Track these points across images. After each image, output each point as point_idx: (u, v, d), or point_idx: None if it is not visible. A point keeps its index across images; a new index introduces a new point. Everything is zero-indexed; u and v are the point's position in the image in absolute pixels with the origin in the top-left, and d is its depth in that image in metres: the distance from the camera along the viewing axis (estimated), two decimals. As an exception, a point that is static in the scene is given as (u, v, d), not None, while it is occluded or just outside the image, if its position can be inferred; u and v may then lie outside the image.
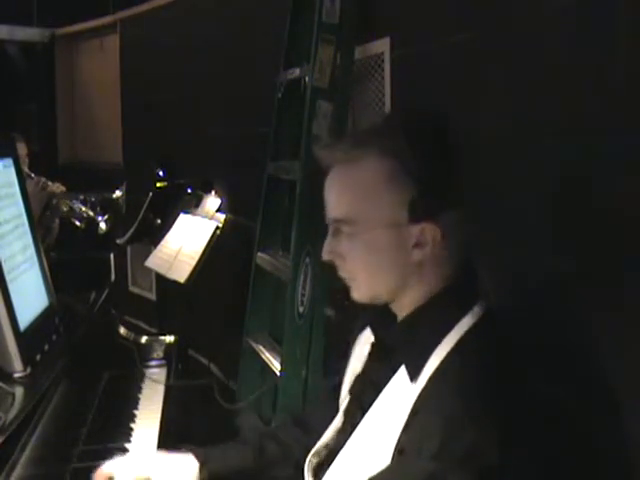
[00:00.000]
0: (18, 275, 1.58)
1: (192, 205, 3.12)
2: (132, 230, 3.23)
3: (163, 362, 2.14)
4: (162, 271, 2.96)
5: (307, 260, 2.14)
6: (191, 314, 2.99)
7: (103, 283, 3.50)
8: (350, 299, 1.19)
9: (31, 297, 1.67)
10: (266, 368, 2.44)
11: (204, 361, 3.28)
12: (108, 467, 1.38)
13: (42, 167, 3.85)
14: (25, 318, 1.54)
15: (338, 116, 2.14)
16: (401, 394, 1.08)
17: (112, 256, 3.79)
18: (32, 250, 1.76)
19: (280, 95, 2.48)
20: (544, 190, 1.40)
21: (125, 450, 1.59)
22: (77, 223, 3.45)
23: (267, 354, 2.44)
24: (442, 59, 1.77)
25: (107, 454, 1.55)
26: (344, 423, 1.26)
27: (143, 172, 3.39)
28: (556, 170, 1.37)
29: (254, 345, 2.55)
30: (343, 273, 1.18)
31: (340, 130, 2.11)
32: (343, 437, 1.21)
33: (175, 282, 2.84)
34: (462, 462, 0.97)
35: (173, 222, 3.09)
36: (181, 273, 2.82)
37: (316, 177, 1.19)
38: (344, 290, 1.21)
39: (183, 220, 3.08)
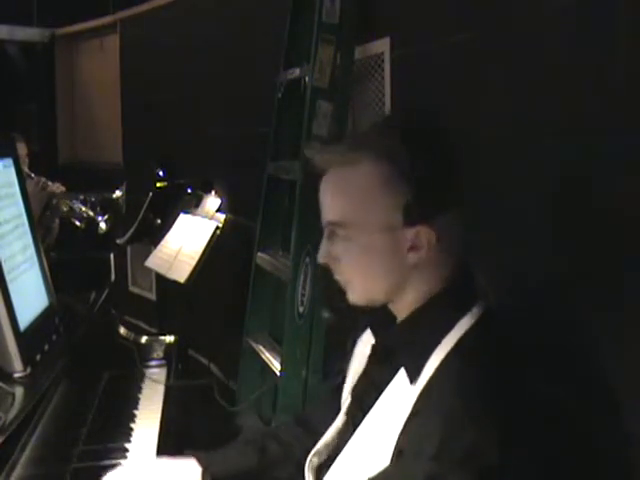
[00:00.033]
0: (18, 275, 1.58)
1: (192, 205, 3.12)
2: (132, 230, 3.23)
3: (163, 362, 2.14)
4: (162, 271, 2.96)
5: (307, 260, 2.14)
6: (191, 314, 2.99)
7: (103, 283, 3.50)
8: (346, 302, 1.19)
9: (31, 297, 1.67)
10: (266, 368, 2.44)
11: (204, 361, 3.28)
12: (109, 479, 1.37)
13: (42, 167, 3.85)
14: (25, 318, 1.54)
15: (338, 116, 2.14)
16: (401, 396, 1.08)
17: (112, 256, 3.79)
18: (32, 250, 1.76)
19: (280, 95, 2.48)
20: (544, 190, 1.40)
21: (125, 450, 1.58)
22: (77, 223, 3.45)
23: (267, 354, 2.44)
24: (442, 59, 1.77)
25: (107, 454, 1.55)
26: (345, 424, 1.26)
27: (143, 172, 3.39)
28: (556, 170, 1.37)
29: (254, 345, 2.55)
30: (339, 276, 1.18)
31: (340, 130, 2.11)
32: (344, 438, 1.21)
33: (175, 282, 2.84)
34: (462, 462, 0.97)
35: (173, 222, 3.10)
36: (181, 273, 2.82)
37: (316, 177, 1.19)
38: (340, 293, 1.21)
39: (183, 220, 3.08)
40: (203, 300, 3.07)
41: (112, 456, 1.55)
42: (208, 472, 1.37)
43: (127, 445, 1.61)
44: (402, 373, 1.10)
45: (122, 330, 2.17)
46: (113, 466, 1.48)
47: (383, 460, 1.05)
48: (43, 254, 1.82)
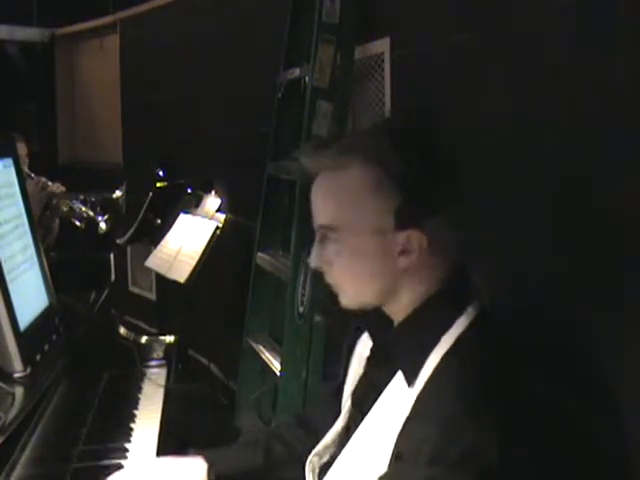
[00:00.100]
0: (18, 275, 1.58)
1: (192, 205, 3.12)
2: (132, 230, 3.23)
3: (163, 362, 2.14)
4: (162, 271, 2.96)
5: (307, 260, 2.14)
6: (191, 314, 2.99)
7: (103, 283, 3.50)
8: (339, 305, 1.19)
9: (31, 297, 1.67)
10: (266, 368, 2.44)
11: (204, 361, 3.28)
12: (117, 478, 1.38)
13: (42, 167, 3.84)
14: (25, 318, 1.54)
15: (338, 116, 2.14)
16: (399, 398, 1.08)
17: (112, 256, 3.79)
18: (32, 250, 1.76)
19: (280, 95, 2.48)
20: (544, 190, 1.40)
21: (125, 450, 1.58)
22: (77, 223, 3.44)
23: (267, 354, 2.44)
24: (442, 59, 1.77)
25: (107, 454, 1.55)
26: (345, 425, 1.26)
27: (143, 172, 3.40)
28: (556, 170, 1.37)
29: (254, 345, 2.55)
30: (330, 280, 1.18)
31: (340, 130, 2.12)
32: (344, 439, 1.21)
33: (175, 282, 2.84)
34: (462, 462, 0.97)
35: (173, 222, 3.10)
36: (181, 273, 2.82)
37: (311, 179, 1.19)
38: (332, 296, 1.21)
39: (183, 220, 3.08)
40: (203, 300, 3.07)
41: (112, 456, 1.55)
42: (214, 469, 1.38)
43: (127, 445, 1.61)
44: (400, 376, 1.10)
45: (122, 330, 2.17)
46: (113, 466, 1.49)
47: (382, 462, 1.05)
48: (43, 254, 1.82)
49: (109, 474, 1.39)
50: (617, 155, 1.22)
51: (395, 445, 1.04)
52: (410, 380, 1.07)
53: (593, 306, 1.29)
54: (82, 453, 1.55)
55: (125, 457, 1.56)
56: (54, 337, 1.70)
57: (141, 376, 2.02)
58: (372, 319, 1.22)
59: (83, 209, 3.40)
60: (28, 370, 1.47)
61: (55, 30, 4.84)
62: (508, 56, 1.52)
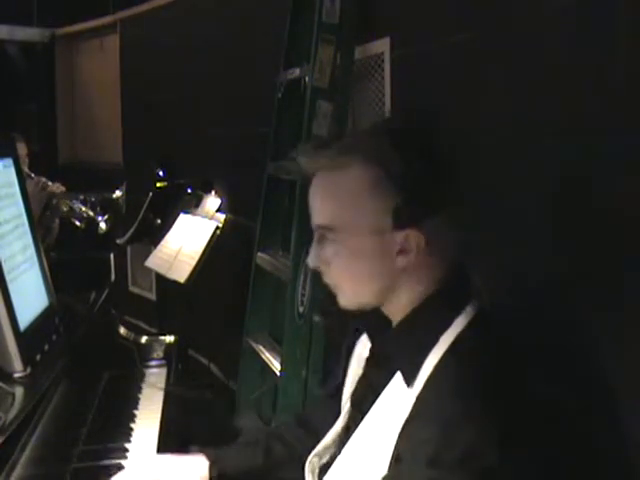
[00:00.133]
0: (18, 275, 1.58)
1: (192, 205, 3.12)
2: (132, 230, 3.23)
3: (163, 362, 2.14)
4: (162, 271, 2.96)
5: (307, 260, 2.14)
6: (191, 314, 2.99)
7: (103, 283, 3.50)
8: (337, 305, 1.19)
9: (31, 297, 1.67)
10: (266, 368, 2.44)
11: (204, 361, 3.28)
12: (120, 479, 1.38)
13: (42, 167, 3.84)
14: (25, 318, 1.54)
15: (338, 116, 2.14)
16: (398, 399, 1.08)
17: (112, 256, 3.80)
18: (32, 250, 1.76)
19: (280, 95, 2.48)
20: (544, 190, 1.40)
21: (125, 450, 1.58)
22: (77, 223, 3.45)
23: (267, 354, 2.44)
24: (442, 59, 1.77)
25: (107, 454, 1.55)
26: (344, 426, 1.26)
27: (143, 172, 3.40)
28: (556, 170, 1.37)
29: (254, 345, 2.55)
30: (329, 280, 1.18)
31: (340, 130, 2.12)
32: (343, 440, 1.21)
33: (175, 282, 2.84)
34: (462, 463, 0.97)
35: (173, 222, 3.10)
36: (181, 273, 2.82)
37: (310, 179, 1.19)
38: (331, 297, 1.21)
39: (183, 220, 3.08)
40: (203, 300, 3.07)
41: (112, 456, 1.55)
42: (215, 467, 1.39)
43: (127, 445, 1.61)
44: (399, 376, 1.10)
45: (122, 330, 2.17)
46: (113, 466, 1.49)
47: (381, 463, 1.05)
48: (43, 254, 1.82)
49: (109, 474, 1.39)
50: (617, 155, 1.22)
51: (395, 446, 1.04)
52: (409, 380, 1.07)
53: (593, 306, 1.29)
54: (82, 453, 1.55)
55: (125, 457, 1.56)
56: (54, 337, 1.70)
57: (141, 376, 2.02)
58: (371, 320, 1.22)
59: (83, 209, 3.40)
60: (28, 370, 1.47)
61: (55, 30, 4.84)
62: (508, 56, 1.52)
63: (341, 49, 2.15)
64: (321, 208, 1.15)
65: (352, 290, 1.16)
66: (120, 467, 1.49)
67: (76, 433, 1.62)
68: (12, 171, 1.76)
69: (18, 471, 1.27)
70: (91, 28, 4.58)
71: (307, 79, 2.22)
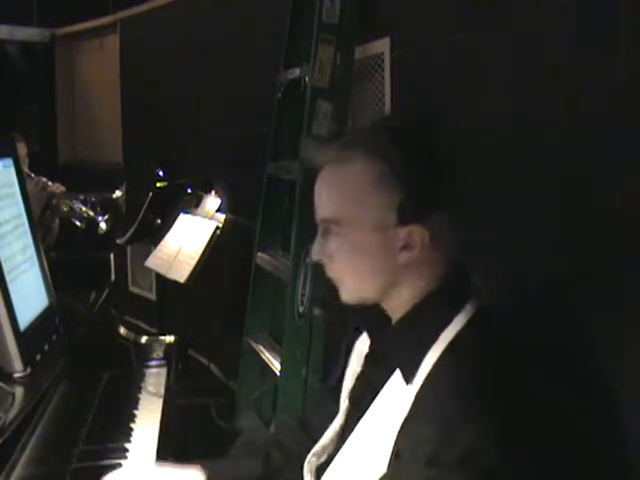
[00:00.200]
0: (18, 275, 1.58)
1: (192, 205, 3.13)
2: (132, 230, 3.23)
3: (163, 362, 2.14)
4: (162, 271, 2.96)
5: (307, 260, 2.14)
6: (191, 314, 2.99)
7: (103, 283, 3.50)
8: (338, 300, 1.19)
9: (31, 297, 1.67)
10: (266, 368, 2.44)
11: (204, 361, 3.28)
12: None
13: (42, 167, 3.85)
14: (25, 318, 1.54)
15: (338, 116, 2.14)
16: (397, 397, 1.08)
17: (112, 256, 3.79)
18: (32, 250, 1.76)
19: (280, 95, 2.48)
20: (544, 190, 1.40)
21: (125, 450, 1.58)
22: (77, 223, 3.45)
23: (267, 354, 2.44)
24: (442, 59, 1.77)
25: (107, 454, 1.55)
26: (343, 425, 1.26)
27: (143, 172, 3.40)
28: (556, 170, 1.37)
29: (254, 345, 2.55)
30: (331, 274, 1.18)
31: (340, 130, 2.12)
32: (342, 439, 1.21)
33: (175, 282, 2.84)
34: (462, 463, 0.97)
35: (173, 222, 3.10)
36: (181, 273, 2.82)
37: (314, 175, 1.19)
38: (333, 291, 1.21)
39: (183, 220, 3.08)
40: (203, 300, 3.07)
41: (112, 456, 1.55)
42: None
43: (127, 445, 1.61)
44: (398, 374, 1.10)
45: (122, 330, 2.17)
46: (113, 466, 1.49)
47: (380, 462, 1.05)
48: (43, 254, 1.82)
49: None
50: (617, 155, 1.22)
51: (394, 445, 1.04)
52: (408, 378, 1.07)
53: (593, 306, 1.29)
54: (82, 453, 1.55)
55: (125, 457, 1.56)
56: (54, 337, 1.70)
57: (141, 376, 2.02)
58: (371, 318, 1.22)
59: (83, 209, 3.41)
60: (28, 370, 1.47)
61: (55, 30, 4.84)
62: (508, 56, 1.52)
63: (341, 49, 2.15)
64: (327, 201, 1.15)
65: (354, 285, 1.16)
66: (120, 467, 1.49)
67: (76, 433, 1.62)
68: (12, 171, 1.76)
69: (18, 471, 1.27)
70: (91, 28, 4.58)
71: (307, 79, 2.22)
